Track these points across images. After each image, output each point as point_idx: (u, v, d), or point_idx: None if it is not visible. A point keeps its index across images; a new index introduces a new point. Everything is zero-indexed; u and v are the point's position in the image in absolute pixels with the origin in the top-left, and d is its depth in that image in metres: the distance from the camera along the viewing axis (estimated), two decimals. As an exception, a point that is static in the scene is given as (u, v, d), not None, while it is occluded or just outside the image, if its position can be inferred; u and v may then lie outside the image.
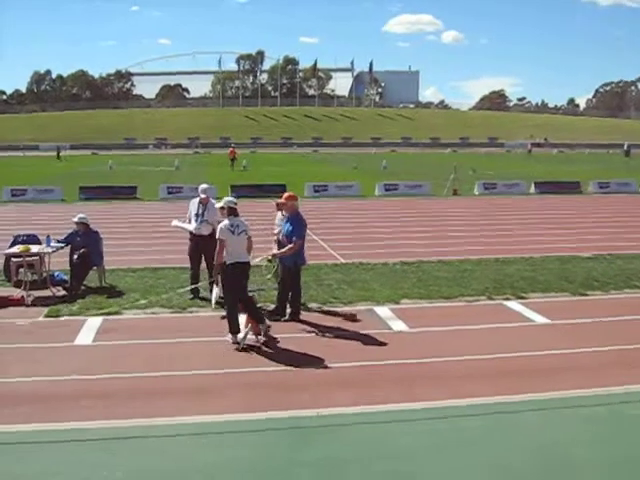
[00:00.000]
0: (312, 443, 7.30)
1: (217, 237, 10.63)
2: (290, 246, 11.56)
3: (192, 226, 13.20)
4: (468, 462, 6.76)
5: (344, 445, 7.13)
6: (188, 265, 13.56)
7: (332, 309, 12.50)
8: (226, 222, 10.64)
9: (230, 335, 10.44)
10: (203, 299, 12.87)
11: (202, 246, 13.05)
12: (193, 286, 13.00)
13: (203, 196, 13.22)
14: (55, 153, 76.54)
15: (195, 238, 13.20)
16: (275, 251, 11.98)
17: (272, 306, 12.35)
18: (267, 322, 10.73)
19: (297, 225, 11.77)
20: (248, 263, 10.72)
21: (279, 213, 12.72)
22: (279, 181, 37.63)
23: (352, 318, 11.81)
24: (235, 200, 11.19)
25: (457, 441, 7.23)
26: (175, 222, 13.98)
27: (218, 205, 11.34)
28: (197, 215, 13.16)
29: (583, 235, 22.06)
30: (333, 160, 73.12)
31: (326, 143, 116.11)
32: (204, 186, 13.56)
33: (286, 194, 12.31)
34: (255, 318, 10.55)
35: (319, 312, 12.28)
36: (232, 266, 10.44)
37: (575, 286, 14.21)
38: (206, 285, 12.79)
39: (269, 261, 12.04)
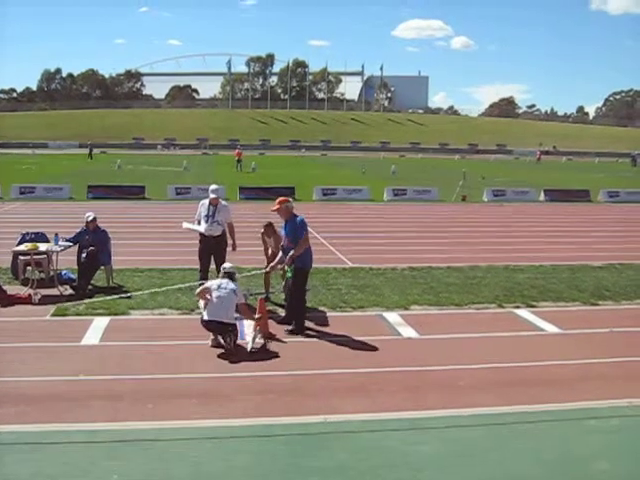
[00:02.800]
0: (320, 450, 7.19)
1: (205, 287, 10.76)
2: (296, 247, 11.37)
3: (203, 227, 13.12)
4: (476, 472, 6.65)
5: (352, 452, 7.01)
6: (196, 266, 13.50)
7: (341, 314, 12.40)
8: (217, 281, 10.78)
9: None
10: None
11: (212, 247, 13.06)
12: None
13: (213, 196, 13.15)
14: (87, 151, 75.13)
15: (205, 239, 13.13)
16: (292, 253, 11.37)
17: (280, 310, 12.41)
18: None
19: (297, 225, 11.46)
20: (223, 324, 10.25)
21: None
22: (288, 184, 37.67)
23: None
24: (232, 270, 11.09)
25: (467, 451, 7.12)
26: (185, 224, 13.90)
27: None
28: (207, 216, 13.08)
29: (593, 244, 21.96)
30: (342, 164, 73.08)
31: (335, 147, 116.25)
32: (214, 187, 13.52)
33: (278, 199, 11.89)
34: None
35: (328, 317, 12.18)
36: (206, 322, 10.34)
37: (586, 295, 14.08)
38: None
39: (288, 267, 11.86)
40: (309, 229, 11.83)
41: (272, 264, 12.31)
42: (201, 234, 13.23)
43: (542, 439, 7.40)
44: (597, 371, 9.65)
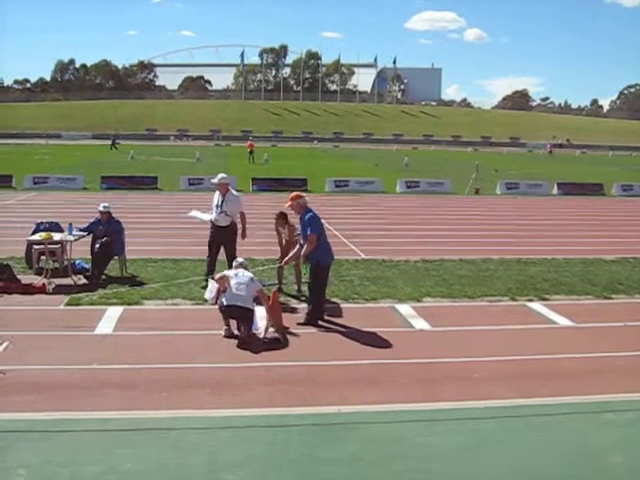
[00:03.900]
0: (333, 440, 7.20)
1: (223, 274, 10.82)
2: (306, 244, 11.34)
3: (211, 216, 13.16)
4: (488, 464, 6.64)
5: (364, 443, 7.02)
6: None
7: (353, 305, 12.40)
8: (233, 271, 10.82)
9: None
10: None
11: (221, 236, 13.08)
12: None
13: (215, 181, 13.22)
14: (110, 142, 75.65)
15: (214, 228, 13.17)
16: (302, 252, 11.42)
17: (292, 301, 12.51)
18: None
19: (310, 221, 11.33)
20: (243, 308, 10.28)
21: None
22: (300, 175, 37.69)
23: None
24: (245, 262, 11.24)
25: (478, 443, 7.10)
26: (192, 212, 13.98)
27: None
28: (217, 206, 13.11)
29: (606, 238, 21.82)
30: (354, 155, 72.96)
31: (347, 138, 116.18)
32: (219, 175, 13.44)
33: (290, 195, 11.76)
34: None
35: (340, 308, 12.18)
36: (226, 307, 10.36)
37: (599, 289, 14.01)
38: None
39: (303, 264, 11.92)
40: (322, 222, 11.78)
41: (286, 259, 12.29)
42: (211, 223, 13.25)
43: (556, 432, 7.38)
44: (610, 364, 9.60)
